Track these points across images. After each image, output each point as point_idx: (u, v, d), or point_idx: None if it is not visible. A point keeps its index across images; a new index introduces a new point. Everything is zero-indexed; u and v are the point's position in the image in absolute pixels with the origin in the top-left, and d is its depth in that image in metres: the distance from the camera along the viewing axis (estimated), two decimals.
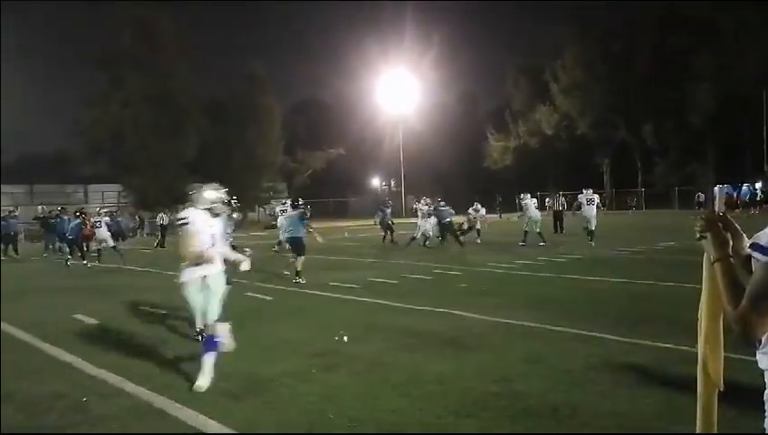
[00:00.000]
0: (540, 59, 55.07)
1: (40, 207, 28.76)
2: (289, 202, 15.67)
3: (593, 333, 6.24)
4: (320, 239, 13.52)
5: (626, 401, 4.27)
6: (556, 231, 22.30)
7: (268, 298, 9.63)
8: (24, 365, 5.87)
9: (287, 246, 12.73)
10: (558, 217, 23.24)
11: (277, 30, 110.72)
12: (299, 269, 11.49)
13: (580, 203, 17.80)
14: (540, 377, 4.87)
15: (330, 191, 55.35)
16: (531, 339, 6.20)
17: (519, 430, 3.81)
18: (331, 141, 55.08)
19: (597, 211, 17.56)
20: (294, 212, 12.51)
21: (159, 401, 4.57)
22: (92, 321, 8.11)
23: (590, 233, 16.84)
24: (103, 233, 16.45)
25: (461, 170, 56.99)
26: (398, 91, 45.39)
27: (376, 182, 71.97)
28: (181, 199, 10.36)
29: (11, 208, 23.94)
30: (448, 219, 18.09)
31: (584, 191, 17.72)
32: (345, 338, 5.12)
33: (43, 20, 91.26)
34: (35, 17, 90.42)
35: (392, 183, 61.04)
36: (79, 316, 8.44)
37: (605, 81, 47.77)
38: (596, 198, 17.80)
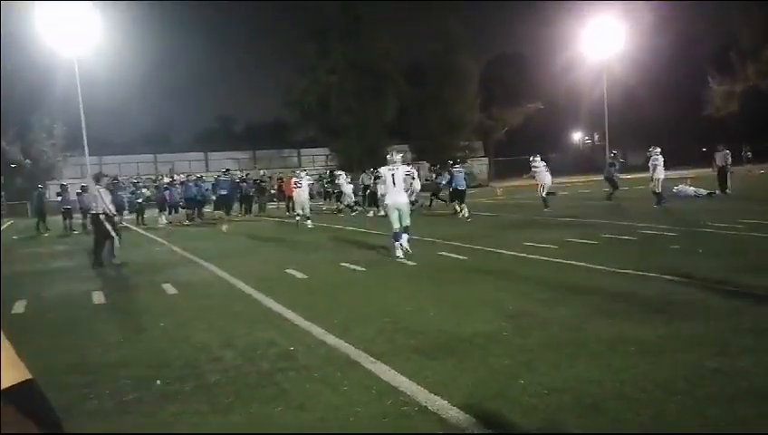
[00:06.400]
0: None
1: (262, 171, 31.91)
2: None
3: None
4: None
5: None
6: (723, 191, 19.35)
7: (462, 258, 9.64)
8: (245, 315, 6.56)
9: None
10: (722, 174, 19.91)
11: None
12: None
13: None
14: None
15: (527, 148, 53.93)
16: (759, 308, 5.39)
17: (738, 413, 3.32)
18: (528, 96, 53.19)
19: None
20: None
21: (356, 354, 4.80)
22: (302, 275, 8.81)
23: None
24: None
25: (676, 120, 51.48)
26: (602, 36, 41.86)
27: (577, 136, 68.31)
28: (382, 161, 10.85)
29: (248, 172, 27.49)
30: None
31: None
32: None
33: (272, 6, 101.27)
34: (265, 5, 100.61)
35: (595, 137, 57.46)
36: (291, 271, 9.23)
37: None
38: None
